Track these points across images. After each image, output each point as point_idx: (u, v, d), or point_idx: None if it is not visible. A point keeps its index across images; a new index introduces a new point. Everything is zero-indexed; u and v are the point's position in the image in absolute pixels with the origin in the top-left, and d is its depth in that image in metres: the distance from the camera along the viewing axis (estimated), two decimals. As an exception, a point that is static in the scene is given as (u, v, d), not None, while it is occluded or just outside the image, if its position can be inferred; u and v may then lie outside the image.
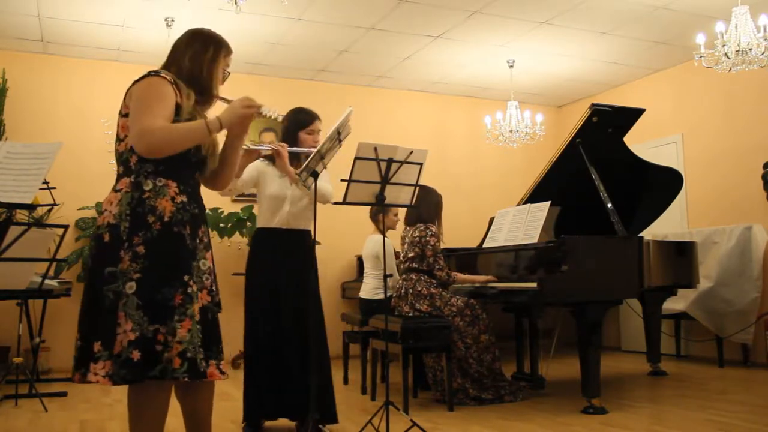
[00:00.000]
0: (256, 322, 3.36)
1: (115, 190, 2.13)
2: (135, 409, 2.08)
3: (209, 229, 2.34)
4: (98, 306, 2.03)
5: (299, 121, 3.50)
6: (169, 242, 2.07)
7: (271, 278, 3.37)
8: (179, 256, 2.09)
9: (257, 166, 3.46)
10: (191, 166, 2.20)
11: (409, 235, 4.42)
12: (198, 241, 2.18)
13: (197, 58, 2.26)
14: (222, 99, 2.32)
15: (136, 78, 2.17)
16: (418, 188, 4.42)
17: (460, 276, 4.43)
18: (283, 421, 3.45)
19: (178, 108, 2.14)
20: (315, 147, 3.42)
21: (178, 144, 2.10)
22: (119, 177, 2.16)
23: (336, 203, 3.20)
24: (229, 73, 2.38)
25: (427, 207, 4.40)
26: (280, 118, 2.44)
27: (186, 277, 2.07)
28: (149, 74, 2.16)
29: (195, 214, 2.18)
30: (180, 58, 2.27)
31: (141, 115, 2.06)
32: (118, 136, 2.17)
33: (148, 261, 2.02)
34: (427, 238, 4.30)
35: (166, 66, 2.27)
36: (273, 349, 3.31)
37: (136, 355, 1.95)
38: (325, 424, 3.28)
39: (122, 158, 2.15)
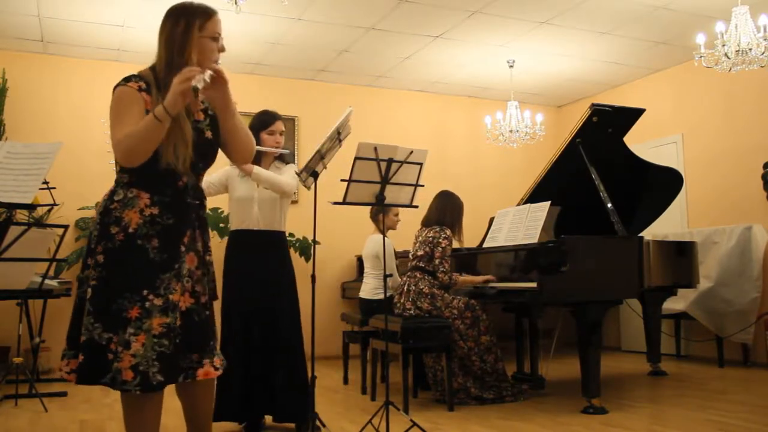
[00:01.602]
0: (231, 324, 3.35)
1: (104, 195, 2.16)
2: (125, 412, 2.10)
3: (202, 230, 2.24)
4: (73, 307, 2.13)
5: (261, 121, 3.50)
6: (129, 254, 2.04)
7: (246, 280, 3.37)
8: (139, 269, 2.03)
9: (226, 169, 3.51)
10: (167, 174, 2.09)
11: (423, 235, 4.45)
12: (181, 249, 2.11)
13: (170, 41, 2.09)
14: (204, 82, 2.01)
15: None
16: (441, 193, 4.50)
17: (460, 279, 4.44)
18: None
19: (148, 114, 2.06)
20: (276, 147, 3.47)
21: (143, 144, 2.00)
22: (114, 181, 2.18)
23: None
24: (218, 37, 2.13)
25: (451, 212, 4.46)
26: (206, 79, 2.00)
27: (145, 292, 2.01)
28: (118, 85, 2.10)
29: (168, 225, 2.09)
30: (159, 47, 2.13)
31: (112, 129, 2.06)
32: None
33: (105, 270, 2.03)
34: (440, 240, 4.32)
35: (157, 59, 2.15)
36: (246, 350, 3.31)
37: (80, 357, 2.00)
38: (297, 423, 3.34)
39: (115, 165, 2.17)
